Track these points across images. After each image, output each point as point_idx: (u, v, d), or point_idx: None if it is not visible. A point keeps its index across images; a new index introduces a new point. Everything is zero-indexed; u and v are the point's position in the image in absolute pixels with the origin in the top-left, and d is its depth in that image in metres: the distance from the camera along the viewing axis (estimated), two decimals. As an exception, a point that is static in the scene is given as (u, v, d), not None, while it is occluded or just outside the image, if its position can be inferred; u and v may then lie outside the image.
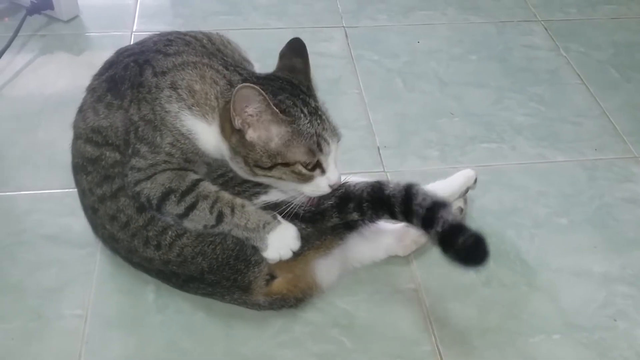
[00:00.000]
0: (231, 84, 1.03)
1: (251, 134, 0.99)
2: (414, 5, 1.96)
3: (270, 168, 1.00)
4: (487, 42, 1.84)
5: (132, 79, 1.04)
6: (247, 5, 1.93)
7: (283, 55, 1.11)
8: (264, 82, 1.03)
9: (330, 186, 1.03)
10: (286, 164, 1.00)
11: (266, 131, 0.99)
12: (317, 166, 1.01)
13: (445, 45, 1.82)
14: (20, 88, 1.61)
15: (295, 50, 1.09)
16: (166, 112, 1.02)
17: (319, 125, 1.01)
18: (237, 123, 0.98)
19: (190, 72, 1.03)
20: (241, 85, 0.95)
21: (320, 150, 1.00)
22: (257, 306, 1.10)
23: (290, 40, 1.11)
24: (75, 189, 1.14)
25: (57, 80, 1.62)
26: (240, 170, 1.04)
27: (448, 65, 1.74)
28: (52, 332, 1.09)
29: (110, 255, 1.17)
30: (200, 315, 1.12)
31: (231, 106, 0.97)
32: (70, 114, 1.12)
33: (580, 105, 1.63)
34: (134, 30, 1.81)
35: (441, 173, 1.30)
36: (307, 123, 0.99)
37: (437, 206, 1.03)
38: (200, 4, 1.92)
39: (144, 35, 1.15)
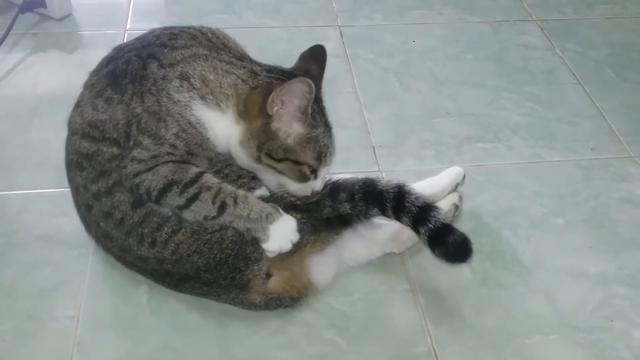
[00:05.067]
0: (254, 73, 1.06)
1: (277, 124, 1.02)
2: (410, 5, 1.96)
3: (279, 160, 1.04)
4: (483, 41, 1.83)
5: (134, 73, 1.04)
6: (242, 4, 1.91)
7: (303, 57, 1.14)
8: (290, 78, 1.03)
9: (313, 191, 1.09)
10: (297, 162, 1.04)
11: (288, 127, 1.03)
12: (314, 172, 1.07)
13: (441, 44, 1.81)
14: (13, 87, 1.59)
15: (316, 57, 1.13)
16: (174, 102, 1.02)
17: (329, 138, 1.08)
18: (273, 110, 1.01)
19: (202, 63, 1.04)
20: (301, 78, 0.99)
21: (325, 161, 1.07)
22: (253, 306, 1.09)
23: (314, 46, 1.14)
24: (68, 189, 1.12)
25: (50, 79, 1.61)
26: (245, 154, 1.05)
27: (444, 64, 1.74)
28: (44, 333, 1.08)
29: (103, 256, 1.16)
30: (194, 316, 1.11)
31: (276, 91, 0.99)
32: (63, 113, 1.11)
33: (577, 105, 1.63)
34: (127, 28, 1.79)
35: (437, 173, 1.30)
36: (323, 133, 1.06)
37: (429, 206, 1.08)
38: (195, 3, 1.91)
39: (137, 33, 1.14)
